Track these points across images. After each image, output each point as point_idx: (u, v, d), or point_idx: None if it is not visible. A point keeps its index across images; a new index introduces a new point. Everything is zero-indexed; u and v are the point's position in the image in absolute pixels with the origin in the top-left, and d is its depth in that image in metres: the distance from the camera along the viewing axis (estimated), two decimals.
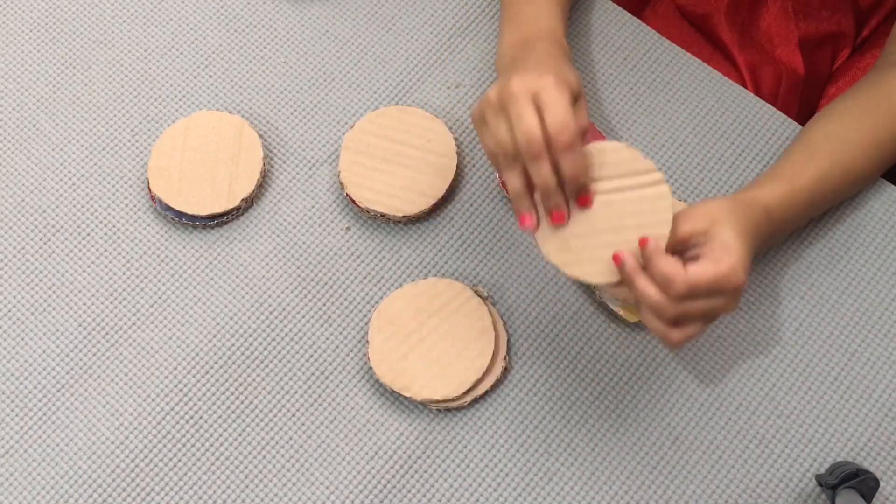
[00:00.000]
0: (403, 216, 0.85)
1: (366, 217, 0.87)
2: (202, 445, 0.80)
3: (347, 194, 0.86)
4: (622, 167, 0.69)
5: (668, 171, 0.88)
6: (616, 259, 0.68)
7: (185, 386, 0.82)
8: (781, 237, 0.80)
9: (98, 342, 0.84)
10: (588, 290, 0.84)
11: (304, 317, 0.84)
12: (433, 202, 0.85)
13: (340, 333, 0.84)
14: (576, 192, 0.69)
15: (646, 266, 0.68)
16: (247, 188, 0.86)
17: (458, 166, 0.87)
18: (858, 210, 0.86)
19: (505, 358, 0.81)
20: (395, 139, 0.87)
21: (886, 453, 0.79)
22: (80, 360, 0.83)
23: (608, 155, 0.70)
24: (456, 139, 0.88)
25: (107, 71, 0.93)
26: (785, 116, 0.89)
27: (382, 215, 0.85)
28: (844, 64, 1.00)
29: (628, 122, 0.89)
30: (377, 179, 0.85)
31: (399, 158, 0.86)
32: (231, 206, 0.86)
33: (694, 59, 0.92)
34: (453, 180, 0.86)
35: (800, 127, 0.89)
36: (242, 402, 0.82)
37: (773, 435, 0.79)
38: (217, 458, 0.80)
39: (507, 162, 0.69)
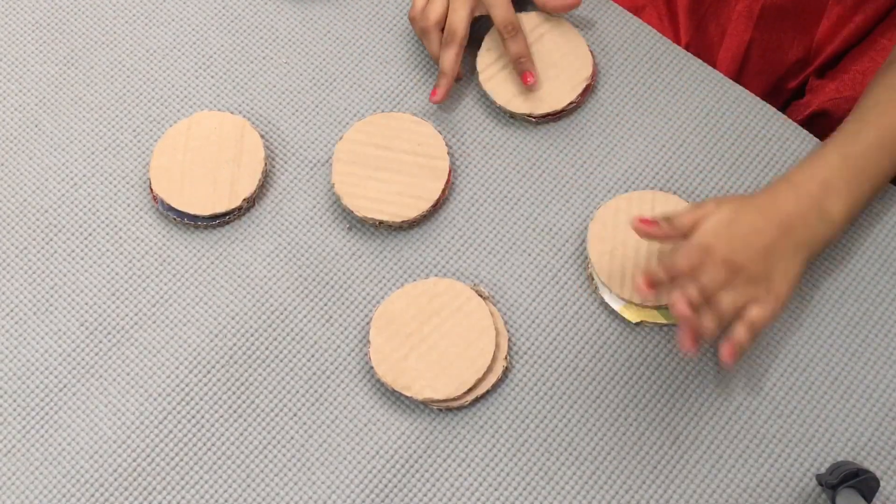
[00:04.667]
0: (402, 221, 0.85)
1: (367, 225, 0.87)
2: (203, 445, 0.81)
3: (345, 206, 0.86)
4: None
5: (669, 171, 0.88)
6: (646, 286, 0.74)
7: (186, 385, 0.82)
8: (868, 188, 0.79)
9: (100, 342, 0.84)
10: (589, 289, 0.84)
11: (305, 317, 0.84)
12: (430, 205, 0.85)
13: (341, 333, 0.84)
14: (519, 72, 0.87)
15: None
16: (248, 188, 0.86)
17: (451, 167, 0.87)
18: None
19: (506, 358, 0.81)
20: (386, 146, 0.87)
21: (886, 453, 0.79)
22: (82, 359, 0.83)
23: None
24: (446, 140, 0.88)
25: (108, 71, 0.93)
26: (786, 118, 0.89)
27: (381, 222, 0.85)
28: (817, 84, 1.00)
29: (628, 122, 0.90)
30: (372, 188, 0.85)
31: (392, 164, 0.86)
32: (233, 207, 0.86)
33: (694, 59, 0.92)
34: (448, 181, 0.86)
35: (801, 130, 0.89)
36: (244, 402, 0.82)
37: (773, 435, 0.79)
38: (218, 458, 0.80)
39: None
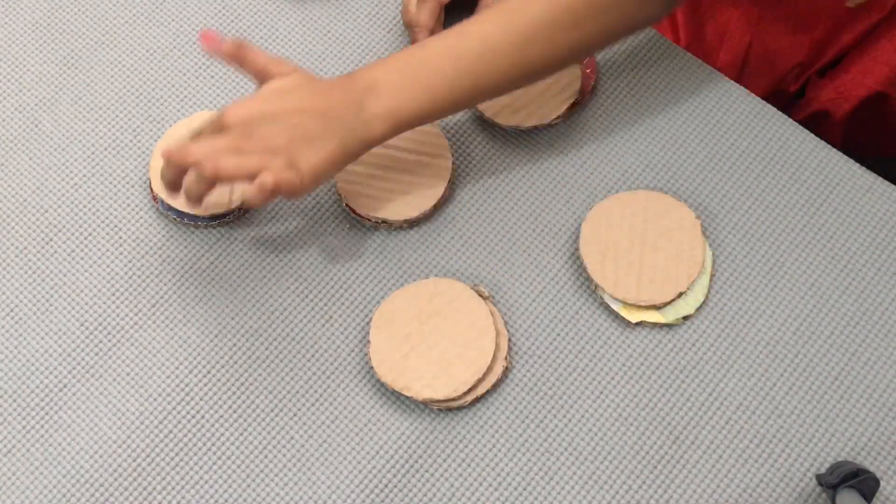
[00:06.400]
0: (405, 220, 0.85)
1: (367, 224, 0.87)
2: (204, 445, 0.81)
3: (347, 205, 0.86)
4: None
5: (669, 171, 0.88)
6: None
7: (186, 385, 0.82)
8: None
9: (100, 342, 0.84)
10: (589, 289, 0.84)
11: (305, 316, 0.84)
12: (431, 205, 0.85)
13: (341, 333, 0.84)
14: None
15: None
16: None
17: (452, 166, 0.87)
18: (858, 210, 0.86)
19: (506, 357, 0.81)
20: (388, 145, 0.87)
21: (886, 453, 0.79)
22: (82, 359, 0.83)
23: None
24: (448, 139, 0.88)
25: (108, 71, 0.94)
26: (786, 117, 0.89)
27: (384, 222, 0.85)
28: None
29: (628, 122, 0.90)
30: (374, 187, 0.85)
31: (394, 164, 0.86)
32: (233, 207, 0.86)
33: (694, 59, 0.92)
34: (450, 180, 0.86)
35: (802, 129, 0.89)
36: (244, 402, 0.82)
37: (774, 435, 0.79)
38: (219, 458, 0.80)
39: None
